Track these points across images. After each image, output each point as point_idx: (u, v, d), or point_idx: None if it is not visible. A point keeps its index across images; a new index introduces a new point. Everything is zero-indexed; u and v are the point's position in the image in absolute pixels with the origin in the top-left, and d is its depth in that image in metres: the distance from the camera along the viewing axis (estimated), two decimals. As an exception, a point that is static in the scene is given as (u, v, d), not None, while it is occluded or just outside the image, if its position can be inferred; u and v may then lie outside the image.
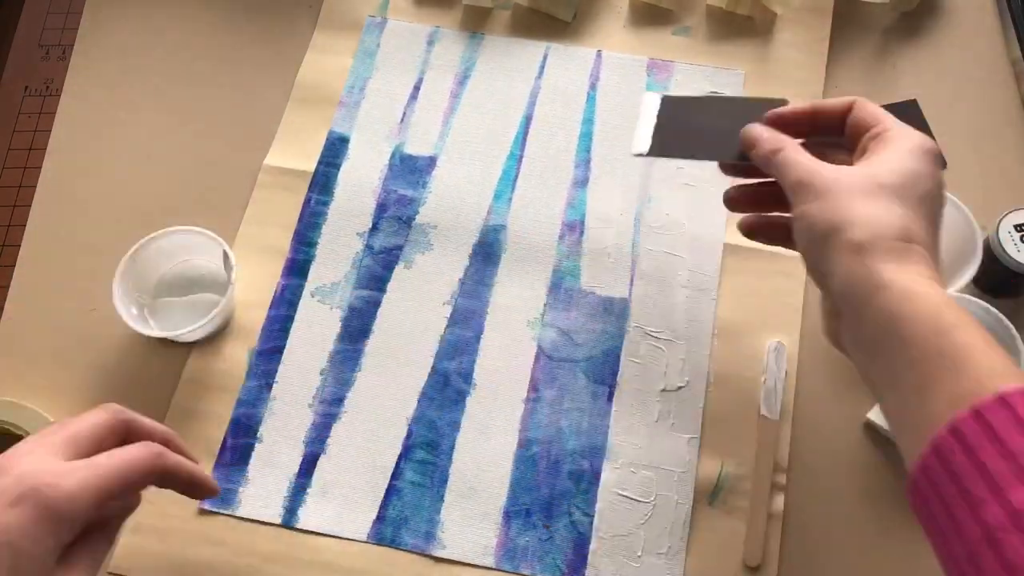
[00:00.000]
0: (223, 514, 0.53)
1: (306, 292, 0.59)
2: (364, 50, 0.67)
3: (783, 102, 0.48)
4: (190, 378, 0.56)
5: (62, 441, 0.39)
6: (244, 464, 0.54)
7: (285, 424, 0.55)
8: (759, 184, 0.49)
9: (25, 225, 0.62)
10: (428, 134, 0.64)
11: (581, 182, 0.62)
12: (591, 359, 0.56)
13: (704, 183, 0.61)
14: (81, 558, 0.38)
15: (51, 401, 0.56)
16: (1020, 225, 0.54)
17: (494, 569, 0.51)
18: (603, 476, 0.53)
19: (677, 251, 0.59)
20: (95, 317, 0.58)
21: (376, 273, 0.59)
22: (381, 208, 0.61)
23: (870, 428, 0.54)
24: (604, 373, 0.56)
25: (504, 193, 0.62)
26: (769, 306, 0.57)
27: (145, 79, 0.67)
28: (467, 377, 0.56)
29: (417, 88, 0.66)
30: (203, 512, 0.53)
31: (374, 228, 0.61)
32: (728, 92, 0.64)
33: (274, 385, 0.56)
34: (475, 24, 0.68)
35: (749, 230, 0.49)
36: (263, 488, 0.53)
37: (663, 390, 0.55)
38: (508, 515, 0.52)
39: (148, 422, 0.44)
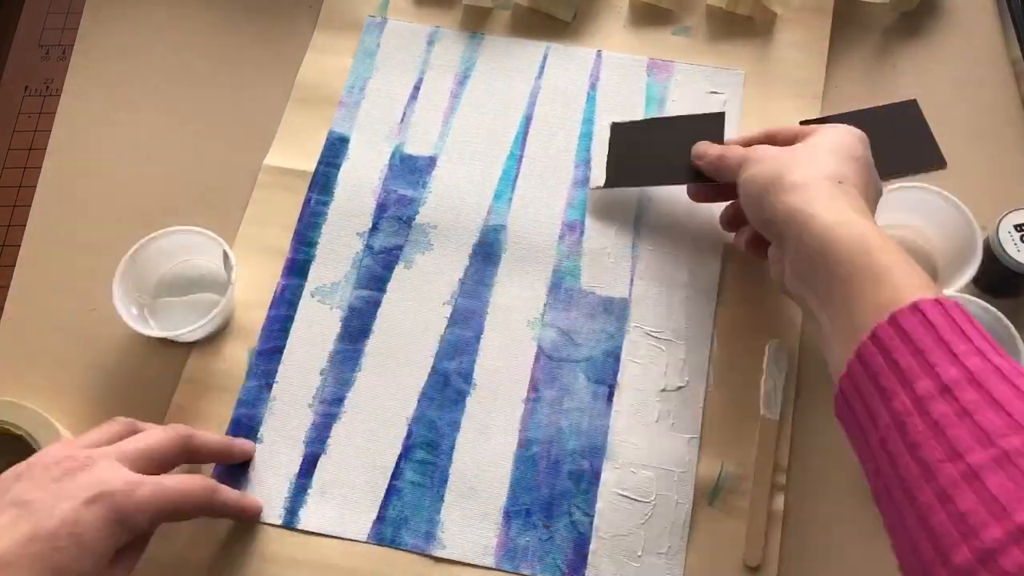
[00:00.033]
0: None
1: (306, 292, 0.59)
2: (364, 50, 0.67)
3: (721, 116, 0.57)
4: (190, 378, 0.56)
5: (135, 454, 0.44)
6: (244, 464, 0.54)
7: (285, 424, 0.55)
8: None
9: (25, 225, 0.62)
10: (428, 134, 0.64)
11: (581, 182, 0.62)
12: (591, 359, 0.56)
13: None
14: (122, 562, 0.42)
15: (51, 401, 0.56)
16: (1020, 225, 0.54)
17: (494, 569, 0.51)
18: (603, 476, 0.53)
19: (677, 251, 0.59)
20: (95, 317, 0.58)
21: (376, 273, 0.59)
22: (381, 208, 0.61)
23: (870, 428, 0.54)
24: (604, 373, 0.56)
25: (504, 193, 0.61)
26: (769, 306, 0.57)
27: (145, 79, 0.67)
28: (467, 377, 0.56)
29: (417, 88, 0.65)
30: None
31: (374, 228, 0.61)
32: (728, 92, 0.64)
33: (274, 385, 0.56)
34: (475, 24, 0.68)
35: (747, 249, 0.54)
36: (264, 489, 0.53)
37: (663, 390, 0.55)
38: (508, 515, 0.52)
39: (207, 437, 0.50)
